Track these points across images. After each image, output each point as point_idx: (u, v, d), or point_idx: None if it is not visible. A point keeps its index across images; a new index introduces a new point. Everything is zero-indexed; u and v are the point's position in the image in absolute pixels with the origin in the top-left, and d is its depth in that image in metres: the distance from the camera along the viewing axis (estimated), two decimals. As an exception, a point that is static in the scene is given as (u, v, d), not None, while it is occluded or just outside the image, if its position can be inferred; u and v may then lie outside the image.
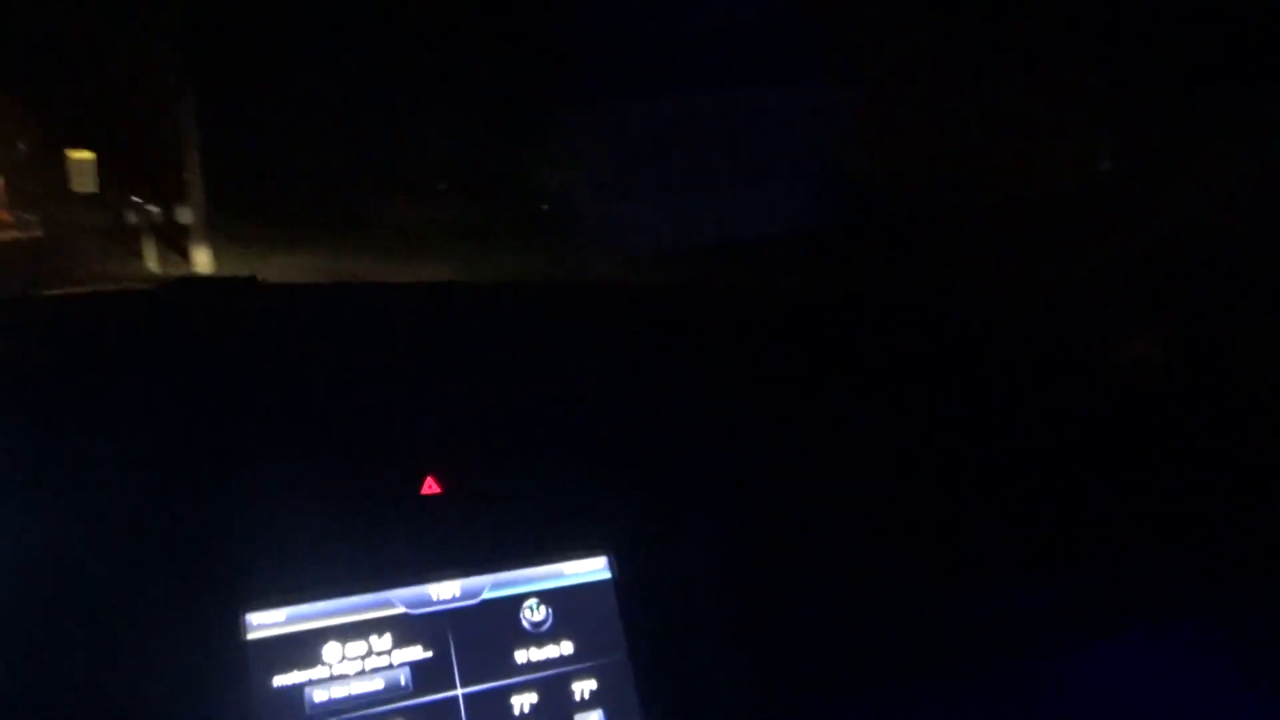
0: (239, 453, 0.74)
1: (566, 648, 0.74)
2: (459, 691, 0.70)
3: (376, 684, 0.68)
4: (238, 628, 0.67)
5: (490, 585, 0.74)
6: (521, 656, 0.72)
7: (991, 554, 0.90)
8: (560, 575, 0.77)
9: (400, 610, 0.71)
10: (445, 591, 0.73)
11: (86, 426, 0.72)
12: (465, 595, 0.73)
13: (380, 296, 0.95)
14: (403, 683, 0.69)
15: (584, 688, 0.73)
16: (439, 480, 0.77)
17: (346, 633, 0.69)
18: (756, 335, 0.98)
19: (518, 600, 0.74)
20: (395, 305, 0.90)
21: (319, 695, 0.67)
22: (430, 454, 0.78)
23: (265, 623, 0.68)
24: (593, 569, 0.78)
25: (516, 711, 0.70)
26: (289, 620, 0.68)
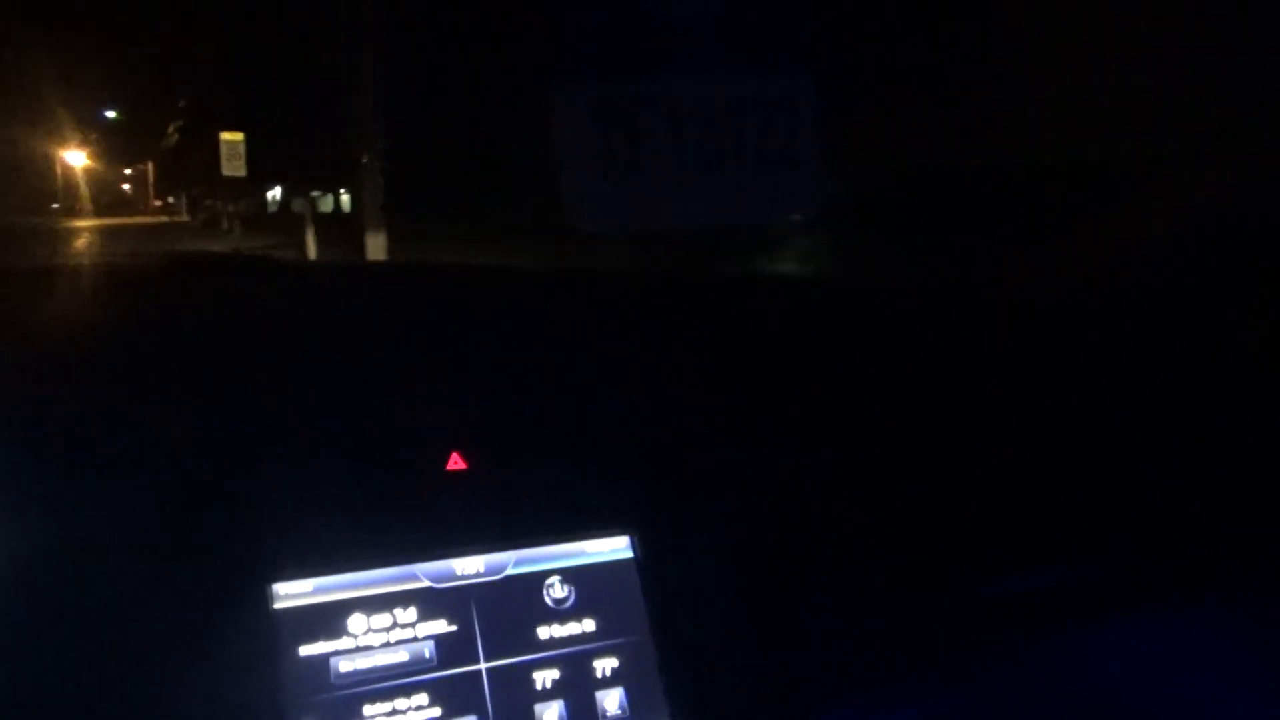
0: (269, 427, 0.74)
1: (589, 625, 0.74)
2: (482, 665, 0.70)
3: (401, 656, 0.68)
4: (266, 597, 0.67)
5: (514, 562, 0.75)
6: (544, 633, 0.73)
7: (1008, 539, 0.91)
8: (583, 554, 0.77)
9: (425, 584, 0.71)
10: (469, 567, 0.73)
11: (116, 401, 0.72)
12: (489, 571, 0.74)
13: (411, 276, 0.94)
14: (427, 655, 0.69)
15: (606, 665, 0.73)
16: (464, 456, 0.77)
17: (372, 605, 0.69)
18: (781, 321, 0.98)
19: (541, 577, 0.75)
20: (426, 285, 0.90)
21: (345, 666, 0.67)
22: (456, 430, 0.78)
23: (292, 593, 0.68)
24: (615, 548, 0.78)
25: (539, 687, 0.71)
26: (315, 591, 0.68)
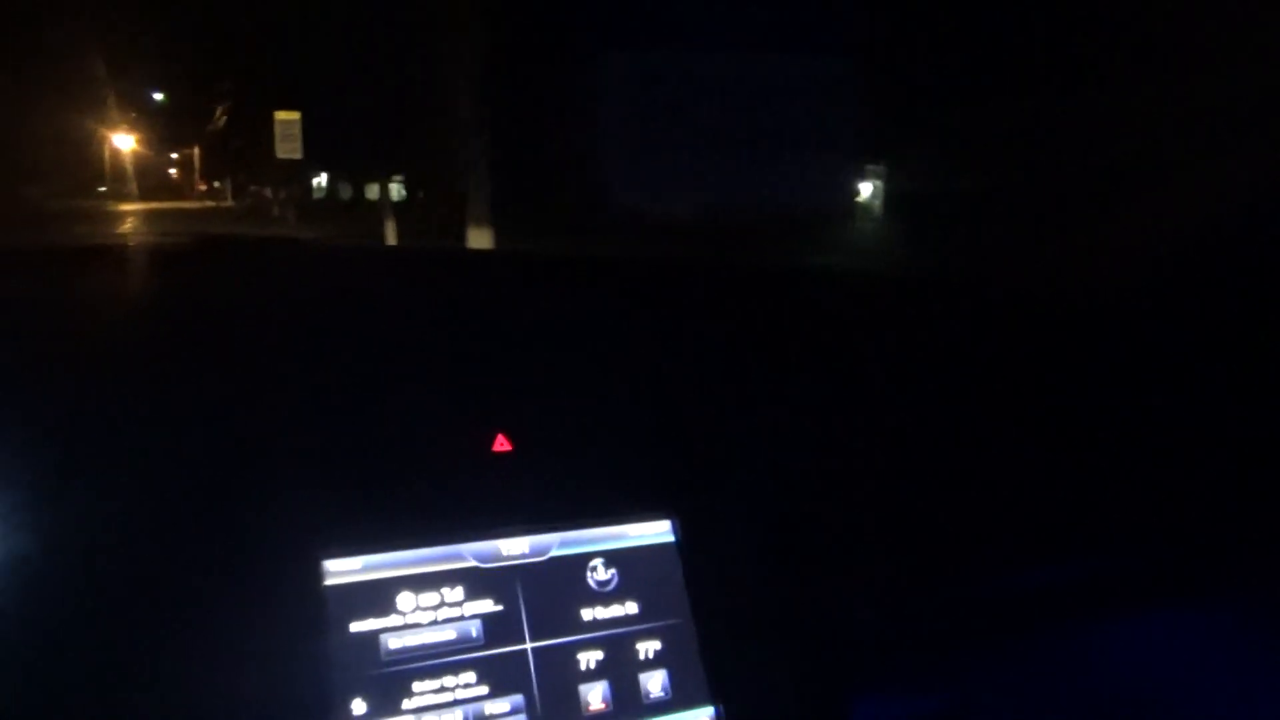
0: (321, 406, 0.75)
1: (631, 608, 0.75)
2: (528, 645, 0.71)
3: (449, 634, 0.69)
4: (317, 574, 0.68)
5: (558, 544, 0.75)
6: (588, 614, 0.74)
7: (1034, 530, 0.91)
8: (625, 536, 0.77)
9: (471, 564, 0.72)
10: (515, 548, 0.74)
11: (173, 381, 0.74)
12: (534, 552, 0.74)
13: (460, 261, 0.95)
14: (474, 634, 0.70)
15: (648, 648, 0.74)
16: (510, 438, 0.78)
17: (420, 583, 0.70)
18: (822, 311, 0.98)
19: (584, 559, 0.75)
20: (472, 269, 0.91)
21: (394, 643, 0.68)
22: (502, 412, 0.78)
23: (342, 569, 0.69)
24: (657, 532, 0.79)
25: (583, 667, 0.71)
26: (365, 568, 0.69)
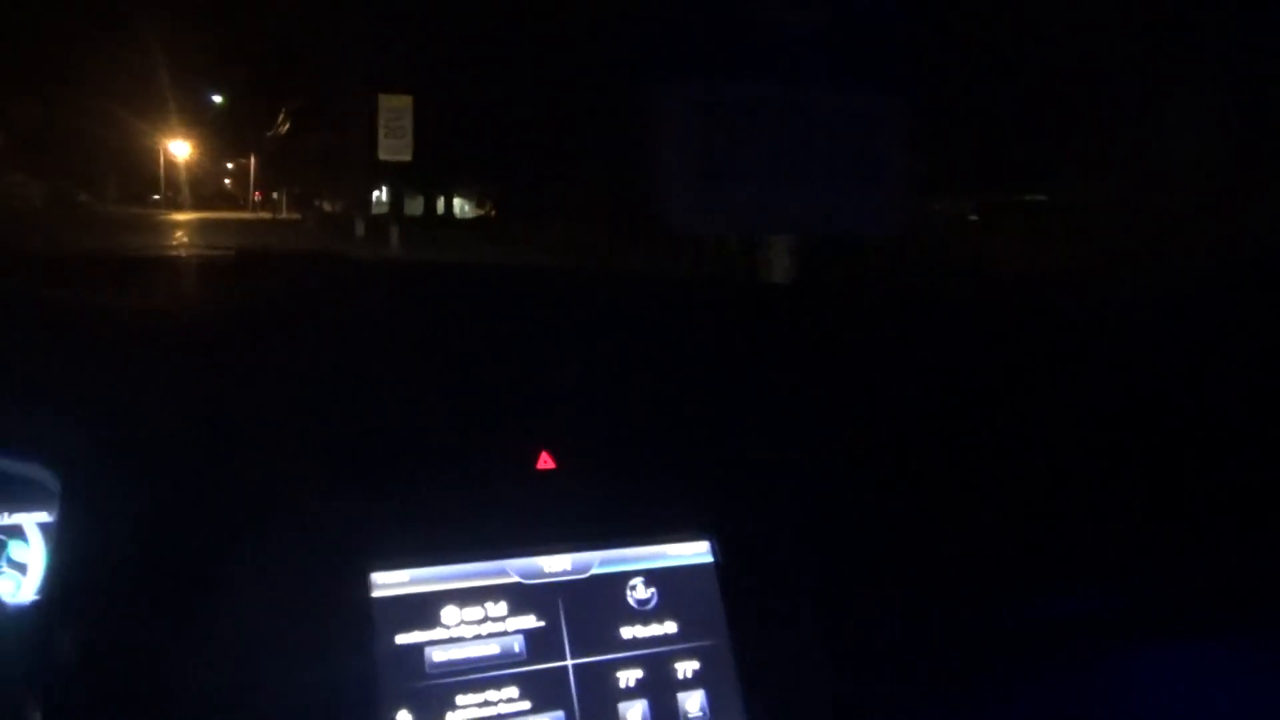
0: (370, 421, 0.77)
1: (670, 627, 0.76)
2: (569, 662, 0.72)
3: (492, 649, 0.71)
4: (365, 585, 0.70)
5: (599, 562, 0.76)
6: (627, 633, 0.74)
7: (1071, 556, 0.91)
8: (664, 556, 0.78)
9: (515, 579, 0.73)
10: (556, 564, 0.75)
11: (230, 393, 0.76)
12: (575, 569, 0.75)
13: (506, 279, 0.97)
14: (517, 649, 0.71)
15: (687, 668, 0.74)
16: (554, 456, 0.79)
17: (465, 597, 0.72)
18: (864, 331, 0.98)
19: (624, 577, 0.76)
20: (520, 287, 0.93)
21: (439, 656, 0.69)
22: (546, 430, 0.80)
23: (389, 582, 0.71)
24: (696, 552, 0.79)
25: (623, 685, 0.72)
26: (411, 581, 0.71)
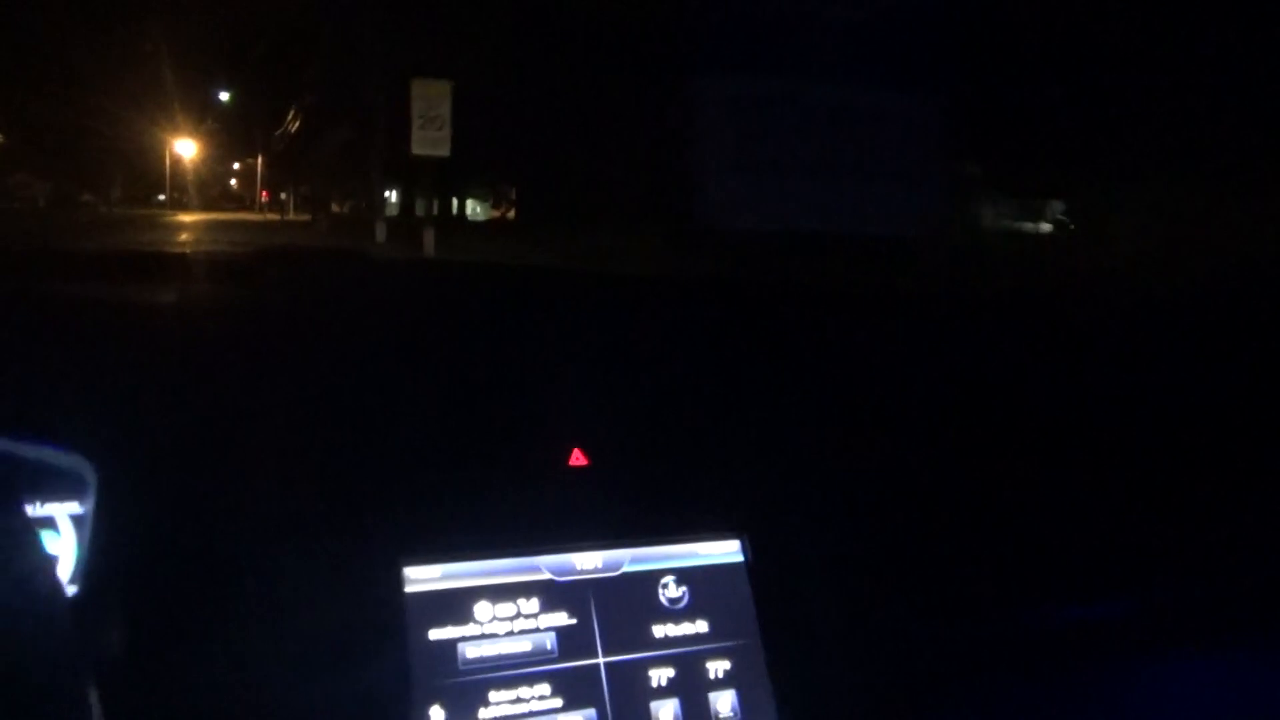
0: (406, 418, 0.77)
1: (701, 626, 0.75)
2: (600, 660, 0.72)
3: (525, 645, 0.70)
4: (399, 581, 0.69)
5: (630, 559, 0.76)
6: (659, 631, 0.74)
7: (1100, 558, 0.91)
8: (695, 555, 0.78)
9: (547, 576, 0.73)
10: (588, 561, 0.75)
11: (266, 390, 0.76)
12: (607, 567, 0.75)
13: (540, 278, 0.97)
14: (549, 647, 0.71)
15: (718, 667, 0.74)
16: (586, 453, 0.79)
17: (497, 593, 0.71)
18: (894, 333, 0.98)
19: (656, 576, 0.76)
20: (555, 286, 0.93)
21: (471, 652, 0.69)
22: (578, 428, 0.80)
23: (422, 578, 0.70)
24: (727, 551, 0.79)
25: (654, 684, 0.72)
26: (444, 577, 0.71)
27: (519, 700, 0.68)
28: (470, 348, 0.84)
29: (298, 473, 0.72)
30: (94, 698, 0.44)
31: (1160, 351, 1.07)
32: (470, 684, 0.68)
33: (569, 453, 0.78)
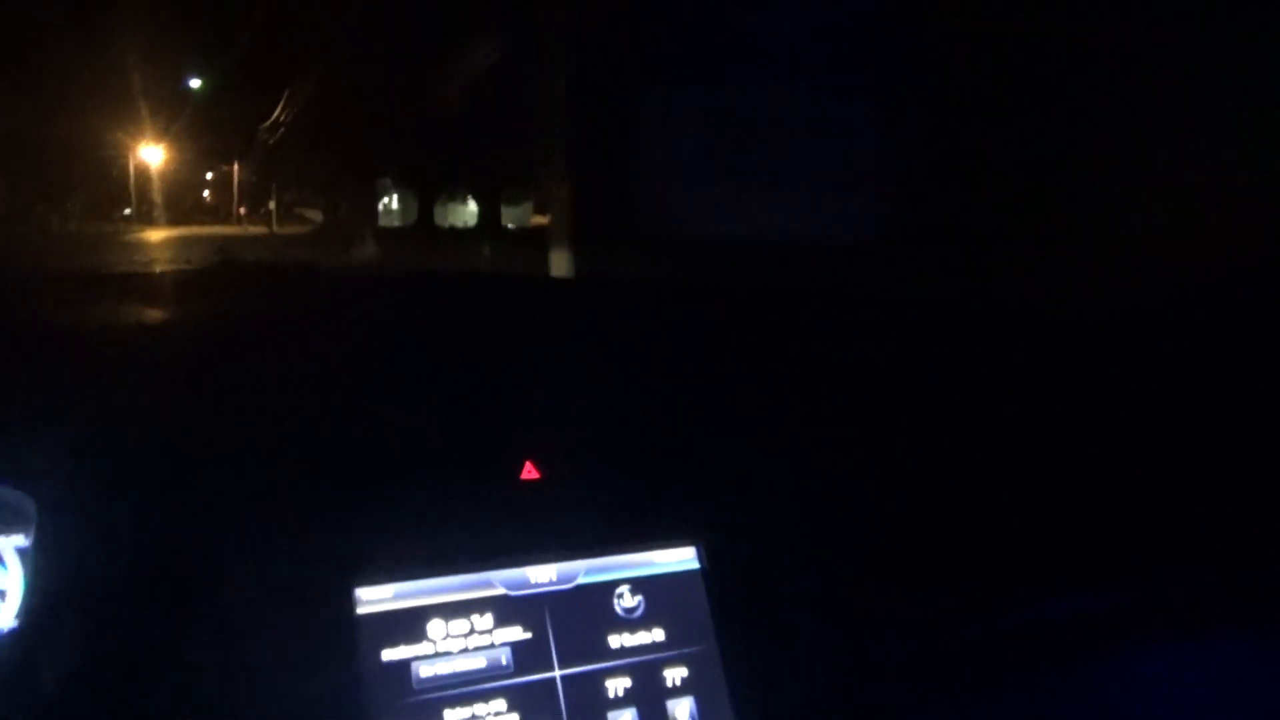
0: (352, 436, 0.76)
1: (658, 635, 0.75)
2: (557, 673, 0.72)
3: (479, 662, 0.70)
4: (350, 602, 0.69)
5: (585, 570, 0.76)
6: (615, 641, 0.74)
7: (1065, 558, 0.91)
8: (651, 564, 0.78)
9: (500, 591, 0.73)
10: (543, 575, 0.75)
11: (209, 408, 0.75)
12: (561, 579, 0.75)
13: (488, 287, 0.97)
14: (504, 662, 0.71)
15: (675, 675, 0.74)
16: (538, 466, 0.79)
17: (450, 611, 0.71)
18: (852, 335, 0.98)
19: (611, 586, 0.76)
20: (501, 295, 0.92)
21: (425, 671, 0.69)
22: (530, 440, 0.79)
23: (374, 598, 0.70)
24: (682, 559, 0.79)
25: (611, 694, 0.72)
26: (396, 597, 0.70)
27: (475, 717, 0.68)
28: (418, 360, 0.83)
29: (245, 495, 0.72)
30: None
31: (1154, 344, 1.07)
32: (425, 703, 0.68)
33: (521, 466, 0.78)
